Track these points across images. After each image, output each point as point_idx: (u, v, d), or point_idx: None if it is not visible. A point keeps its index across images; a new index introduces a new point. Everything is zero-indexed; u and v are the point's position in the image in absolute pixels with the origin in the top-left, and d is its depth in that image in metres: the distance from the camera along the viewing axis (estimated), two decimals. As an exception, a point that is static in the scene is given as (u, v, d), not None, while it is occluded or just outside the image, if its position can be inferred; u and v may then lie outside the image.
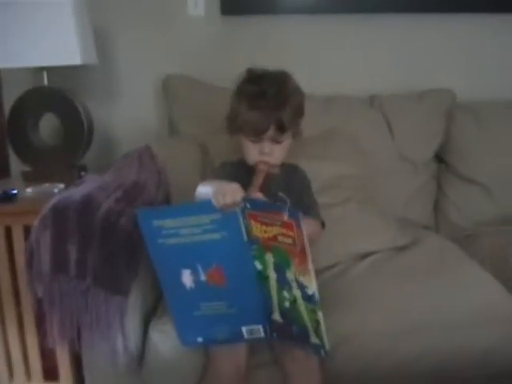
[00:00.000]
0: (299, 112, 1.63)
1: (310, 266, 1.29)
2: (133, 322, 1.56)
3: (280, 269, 1.34)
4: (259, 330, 1.45)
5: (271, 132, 1.56)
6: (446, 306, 1.60)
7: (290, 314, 1.38)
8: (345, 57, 2.38)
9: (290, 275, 1.33)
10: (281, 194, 1.62)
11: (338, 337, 1.51)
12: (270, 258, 1.35)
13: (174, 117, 2.24)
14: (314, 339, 1.36)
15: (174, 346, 1.52)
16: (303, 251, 1.28)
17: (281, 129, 1.56)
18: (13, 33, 2.02)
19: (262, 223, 1.32)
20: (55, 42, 2.04)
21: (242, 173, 1.63)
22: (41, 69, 2.14)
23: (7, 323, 1.89)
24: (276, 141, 1.59)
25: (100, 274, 1.52)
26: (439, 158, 2.29)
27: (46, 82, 2.17)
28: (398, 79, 2.36)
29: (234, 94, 1.64)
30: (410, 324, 1.56)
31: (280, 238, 1.31)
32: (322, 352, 1.37)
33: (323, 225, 1.69)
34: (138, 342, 1.58)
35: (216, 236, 1.37)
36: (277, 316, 1.41)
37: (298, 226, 1.26)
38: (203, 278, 1.41)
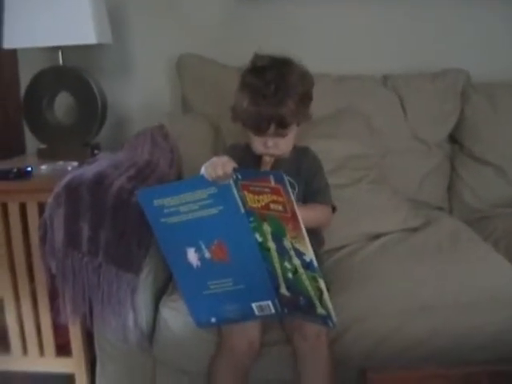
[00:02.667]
0: (305, 100, 1.61)
1: (304, 232, 1.30)
2: (144, 299, 1.58)
3: (277, 238, 1.35)
4: (269, 306, 1.46)
5: (273, 129, 1.55)
6: (457, 287, 1.59)
7: (295, 286, 1.38)
8: (358, 36, 2.36)
9: (287, 243, 1.34)
10: (289, 178, 1.63)
11: (348, 317, 1.52)
12: (267, 228, 1.36)
13: (187, 96, 2.24)
14: (320, 310, 1.37)
15: (184, 323, 1.54)
16: (294, 216, 1.29)
17: (282, 125, 1.55)
18: (28, 13, 2.04)
19: (254, 193, 1.33)
20: (70, 22, 2.05)
21: (249, 158, 1.64)
22: (56, 48, 2.16)
23: (21, 299, 1.92)
24: (280, 135, 1.58)
25: (112, 252, 1.53)
26: (453, 138, 2.27)
27: (61, 61, 2.18)
28: (411, 59, 2.33)
29: (239, 83, 1.62)
30: (419, 305, 1.55)
31: (272, 206, 1.31)
32: (330, 323, 1.38)
33: (334, 208, 1.69)
34: (149, 318, 1.60)
35: (214, 211, 1.38)
36: (283, 289, 1.42)
37: (286, 189, 1.27)
38: (207, 255, 1.43)
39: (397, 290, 1.59)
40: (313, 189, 1.66)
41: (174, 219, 1.41)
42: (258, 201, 1.33)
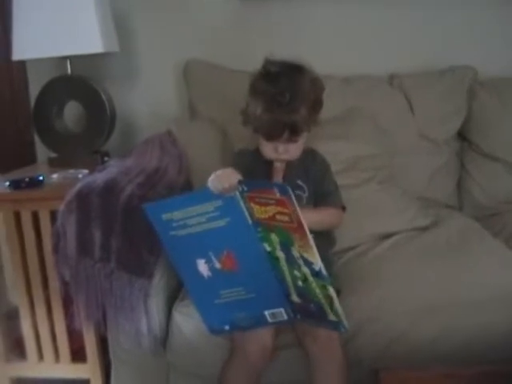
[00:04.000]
0: (316, 107, 1.62)
1: (311, 241, 1.30)
2: (156, 304, 1.59)
3: (285, 248, 1.36)
4: (281, 313, 1.46)
5: (285, 135, 1.56)
6: (468, 285, 1.59)
7: (305, 293, 1.39)
8: (364, 36, 2.35)
9: (295, 253, 1.34)
10: (299, 182, 1.63)
11: (359, 317, 1.53)
12: (275, 238, 1.36)
13: (194, 102, 2.25)
14: (331, 316, 1.38)
15: (197, 328, 1.55)
16: (301, 226, 1.29)
17: (295, 132, 1.56)
18: (36, 24, 2.05)
19: (261, 204, 1.33)
20: (77, 32, 2.06)
21: (258, 163, 1.65)
22: (64, 58, 2.17)
23: (36, 306, 1.93)
24: (291, 141, 1.58)
25: (123, 258, 1.55)
26: (461, 135, 2.26)
27: (69, 70, 2.20)
28: (417, 57, 2.31)
29: (250, 89, 1.62)
30: (431, 304, 1.56)
31: (278, 217, 1.32)
32: (342, 328, 1.38)
33: (344, 209, 1.69)
34: (162, 323, 1.61)
35: (221, 223, 1.39)
36: (295, 297, 1.42)
37: (290, 201, 1.28)
38: (217, 265, 1.43)
39: (408, 290, 1.59)
40: (323, 191, 1.67)
41: (183, 232, 1.42)
42: (265, 212, 1.33)
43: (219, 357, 1.56)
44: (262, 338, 1.52)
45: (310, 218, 1.52)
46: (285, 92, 1.53)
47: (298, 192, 1.64)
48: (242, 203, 1.36)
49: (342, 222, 1.70)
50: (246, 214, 1.36)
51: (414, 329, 1.53)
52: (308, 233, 1.30)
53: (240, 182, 1.35)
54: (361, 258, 1.78)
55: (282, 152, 1.59)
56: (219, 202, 1.37)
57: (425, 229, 1.93)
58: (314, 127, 1.64)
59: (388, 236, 1.88)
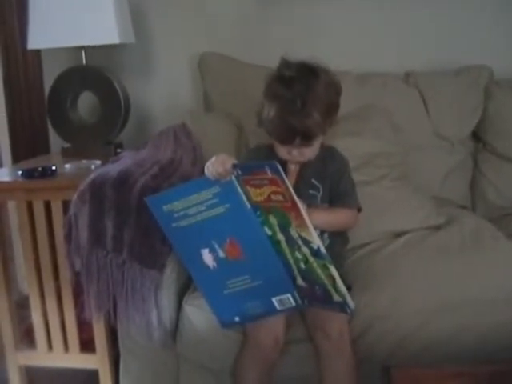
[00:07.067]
0: (332, 110, 1.59)
1: (307, 220, 1.31)
2: (167, 296, 1.59)
3: (284, 229, 1.37)
4: (289, 299, 1.46)
5: (298, 141, 1.54)
6: (480, 285, 1.58)
7: (309, 275, 1.39)
8: (380, 33, 2.34)
9: (293, 233, 1.35)
10: (314, 181, 1.62)
11: (371, 314, 1.53)
12: (273, 220, 1.37)
13: (209, 94, 2.25)
14: (336, 297, 1.38)
15: (207, 320, 1.55)
16: (295, 205, 1.31)
17: (308, 138, 1.54)
18: (52, 14, 2.06)
19: (255, 186, 1.34)
20: (93, 22, 2.07)
21: (274, 159, 1.63)
22: (79, 48, 2.18)
23: (46, 296, 1.94)
24: (305, 145, 1.57)
25: (136, 249, 1.55)
26: (476, 135, 2.25)
27: (84, 61, 2.20)
28: (433, 56, 2.31)
29: (265, 91, 1.60)
30: (443, 303, 1.55)
31: (273, 197, 1.33)
32: (347, 309, 1.39)
33: (360, 210, 1.68)
34: (173, 315, 1.61)
35: (221, 209, 1.40)
36: (300, 281, 1.42)
37: (282, 179, 1.29)
38: (222, 254, 1.44)
39: (420, 288, 1.58)
40: (339, 191, 1.65)
41: (184, 222, 1.43)
42: (260, 194, 1.34)
43: (229, 349, 1.56)
44: (274, 329, 1.52)
45: (323, 217, 1.54)
46: (297, 98, 1.50)
47: (312, 191, 1.63)
48: (238, 187, 1.37)
49: (356, 223, 1.69)
50: (244, 198, 1.37)
51: (425, 327, 1.52)
52: (303, 211, 1.31)
53: (234, 166, 1.36)
54: (373, 256, 1.77)
55: (295, 155, 1.58)
56: (217, 188, 1.38)
57: (438, 228, 1.91)
58: (330, 129, 1.62)
59: (401, 234, 1.87)
